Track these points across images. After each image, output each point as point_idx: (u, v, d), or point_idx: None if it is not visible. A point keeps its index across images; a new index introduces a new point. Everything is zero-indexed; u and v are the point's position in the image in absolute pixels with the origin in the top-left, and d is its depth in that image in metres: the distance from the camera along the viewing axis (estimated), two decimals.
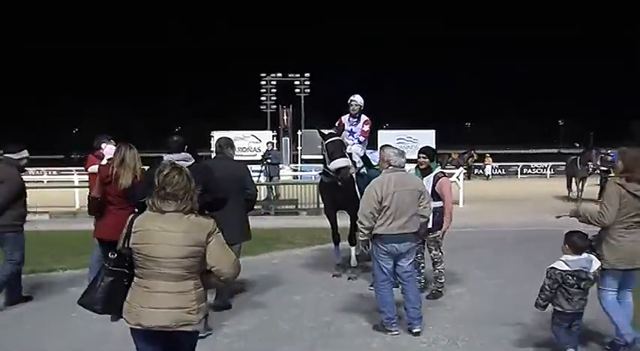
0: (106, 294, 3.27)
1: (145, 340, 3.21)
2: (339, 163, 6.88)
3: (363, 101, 7.76)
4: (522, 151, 54.79)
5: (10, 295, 6.23)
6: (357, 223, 5.37)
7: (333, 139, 7.09)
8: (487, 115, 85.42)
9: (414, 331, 5.23)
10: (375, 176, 6.53)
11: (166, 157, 5.14)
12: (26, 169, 6.41)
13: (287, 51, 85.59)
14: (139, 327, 3.15)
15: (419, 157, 6.47)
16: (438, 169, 6.57)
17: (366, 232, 5.19)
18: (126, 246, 3.23)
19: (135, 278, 3.22)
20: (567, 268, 4.42)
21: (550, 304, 4.58)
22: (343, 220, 7.71)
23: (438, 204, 6.19)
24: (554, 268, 4.46)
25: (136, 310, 3.14)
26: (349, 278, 7.40)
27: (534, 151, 57.95)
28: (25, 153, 6.27)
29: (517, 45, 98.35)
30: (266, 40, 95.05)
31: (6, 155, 6.22)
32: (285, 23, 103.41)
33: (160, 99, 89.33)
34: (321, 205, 13.59)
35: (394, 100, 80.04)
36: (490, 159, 36.74)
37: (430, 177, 6.30)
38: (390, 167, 5.33)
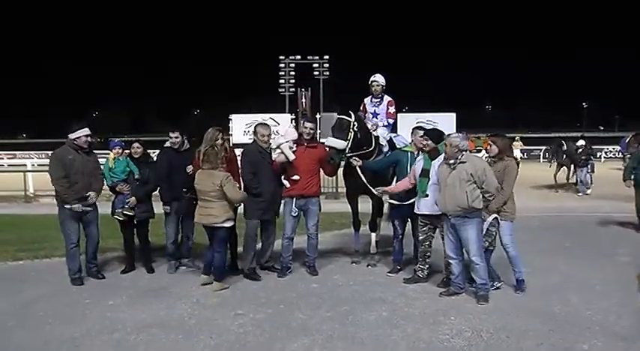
0: (186, 208, 6.74)
1: (206, 230, 6.32)
2: (332, 142, 6.74)
3: (384, 80, 7.49)
4: (545, 135, 53.72)
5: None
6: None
7: (342, 117, 6.81)
8: (506, 98, 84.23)
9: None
10: (401, 157, 6.56)
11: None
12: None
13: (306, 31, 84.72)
14: (200, 223, 6.31)
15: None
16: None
17: None
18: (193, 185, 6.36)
19: (197, 201, 6.31)
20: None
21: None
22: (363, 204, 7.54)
23: None
24: (497, 219, 5.88)
25: (198, 215, 6.31)
26: (368, 265, 7.21)
27: (556, 134, 56.98)
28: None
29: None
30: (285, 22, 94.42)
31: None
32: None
33: (177, 82, 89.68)
34: (340, 189, 13.56)
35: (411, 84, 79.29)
36: (519, 143, 35.23)
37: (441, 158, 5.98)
38: (463, 152, 5.69)
